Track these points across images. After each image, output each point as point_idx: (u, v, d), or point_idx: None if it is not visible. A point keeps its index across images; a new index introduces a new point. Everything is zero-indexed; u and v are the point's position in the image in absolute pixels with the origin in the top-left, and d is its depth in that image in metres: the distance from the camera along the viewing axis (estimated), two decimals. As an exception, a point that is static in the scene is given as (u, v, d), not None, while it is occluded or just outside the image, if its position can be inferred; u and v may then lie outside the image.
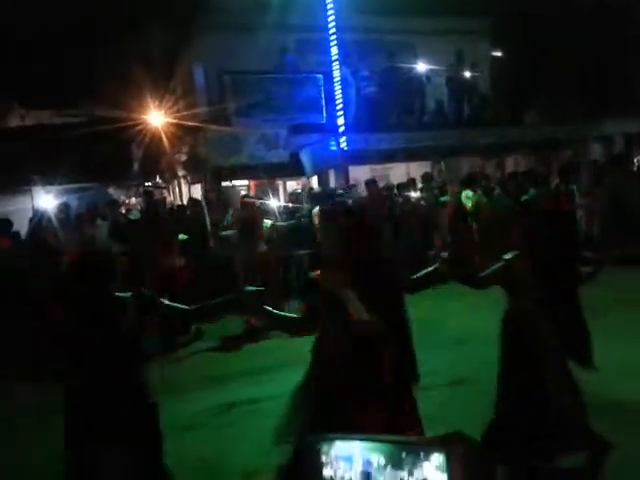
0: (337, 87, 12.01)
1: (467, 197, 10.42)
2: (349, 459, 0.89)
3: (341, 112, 11.92)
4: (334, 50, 12.13)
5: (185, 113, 12.12)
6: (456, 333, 6.68)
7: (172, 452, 4.20)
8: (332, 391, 2.90)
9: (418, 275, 3.99)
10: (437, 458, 0.82)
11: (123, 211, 11.95)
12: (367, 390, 2.85)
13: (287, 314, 3.76)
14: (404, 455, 0.85)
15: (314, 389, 3.08)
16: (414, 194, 10.57)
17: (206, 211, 9.39)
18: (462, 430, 1.01)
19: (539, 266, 3.30)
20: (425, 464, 0.83)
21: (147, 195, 11.59)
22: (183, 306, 3.53)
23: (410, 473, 0.85)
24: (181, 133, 12.58)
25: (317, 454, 0.88)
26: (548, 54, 14.49)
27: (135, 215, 10.63)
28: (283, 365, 5.90)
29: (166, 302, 3.43)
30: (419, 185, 10.99)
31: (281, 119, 12.27)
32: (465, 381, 5.12)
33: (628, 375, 4.71)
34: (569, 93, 14.51)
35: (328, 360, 3.05)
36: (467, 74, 14.21)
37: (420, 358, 5.79)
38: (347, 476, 0.88)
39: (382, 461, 0.87)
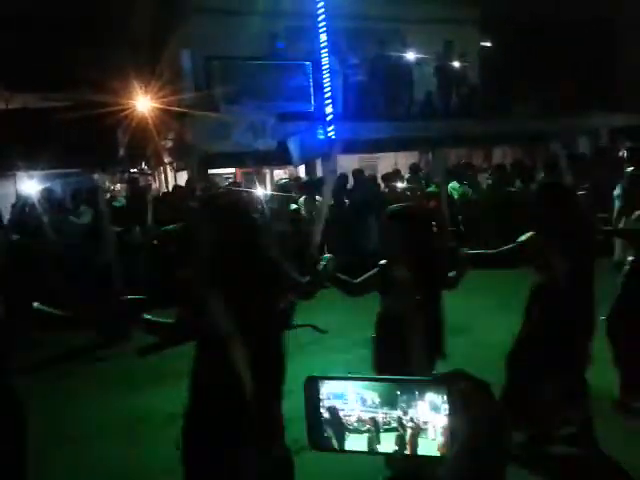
0: (326, 75, 11.94)
1: (453, 189, 10.46)
2: (342, 396, 0.87)
3: (329, 100, 11.86)
4: (323, 38, 12.04)
5: (172, 98, 11.98)
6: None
7: (158, 441, 4.24)
8: None
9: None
10: (432, 397, 0.80)
11: (108, 197, 11.83)
12: None
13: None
14: (398, 393, 0.83)
15: None
16: (400, 184, 10.58)
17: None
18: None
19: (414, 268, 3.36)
20: (419, 403, 0.81)
21: (132, 183, 11.50)
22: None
23: (404, 412, 0.83)
24: (168, 119, 12.46)
25: (317, 393, 0.87)
26: (537, 46, 14.52)
27: (120, 202, 10.53)
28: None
29: None
30: (406, 175, 11.00)
31: (269, 107, 12.18)
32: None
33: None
34: (557, 85, 14.55)
35: None
36: (456, 64, 14.20)
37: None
38: (342, 414, 0.87)
39: (377, 400, 0.85)
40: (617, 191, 6.14)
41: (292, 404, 4.73)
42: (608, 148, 14.48)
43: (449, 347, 5.81)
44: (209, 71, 12.27)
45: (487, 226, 9.85)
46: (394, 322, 3.35)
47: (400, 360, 3.10)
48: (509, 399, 3.67)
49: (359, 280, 3.67)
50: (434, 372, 0.76)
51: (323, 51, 11.96)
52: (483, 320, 6.74)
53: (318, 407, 0.86)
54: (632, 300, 4.48)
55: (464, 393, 0.69)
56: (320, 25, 11.98)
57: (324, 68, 11.99)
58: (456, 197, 10.30)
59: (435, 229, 4.11)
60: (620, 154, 14.34)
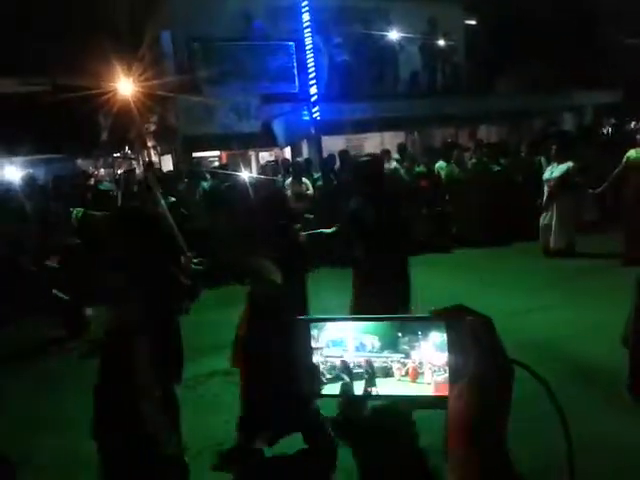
0: (309, 55, 11.78)
1: (440, 168, 10.44)
2: (340, 343, 0.82)
3: (313, 81, 11.72)
4: (306, 17, 11.85)
5: (155, 82, 11.78)
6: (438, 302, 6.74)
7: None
8: None
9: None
10: (436, 336, 0.77)
11: (92, 182, 11.68)
12: None
13: None
14: (400, 335, 0.79)
15: None
16: (387, 165, 10.52)
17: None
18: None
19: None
20: (423, 344, 0.78)
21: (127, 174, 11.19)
22: None
23: (407, 355, 0.79)
24: (150, 102, 12.25)
25: (307, 338, 0.82)
26: (522, 23, 14.45)
27: (105, 186, 10.40)
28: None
29: None
30: (395, 156, 10.93)
31: (253, 88, 12.04)
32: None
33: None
34: (541, 63, 14.52)
35: None
36: (441, 42, 14.11)
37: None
38: (338, 362, 0.82)
39: (377, 343, 0.81)
40: None
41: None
42: (593, 125, 14.56)
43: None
44: (191, 53, 12.08)
45: (472, 204, 9.87)
46: (258, 306, 3.39)
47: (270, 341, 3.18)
48: None
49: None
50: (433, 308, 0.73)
51: (306, 31, 11.79)
52: (467, 300, 6.76)
53: (310, 353, 0.82)
54: None
55: (472, 327, 0.66)
56: (303, 4, 11.81)
57: (308, 48, 11.83)
58: (443, 176, 10.28)
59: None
60: (604, 131, 14.44)
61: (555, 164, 8.60)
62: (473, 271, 8.19)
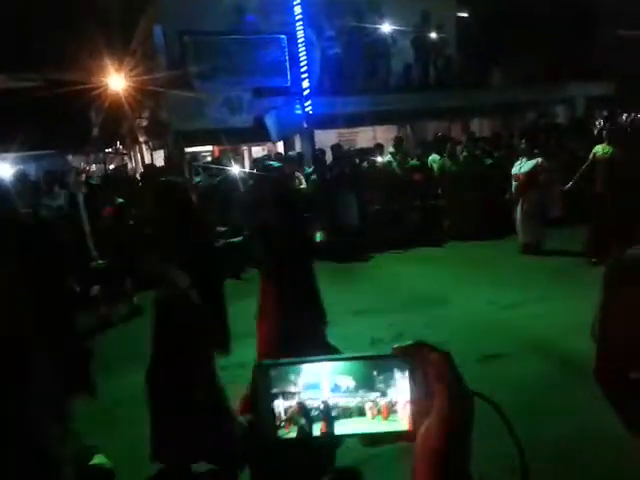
0: (301, 48, 11.75)
1: (433, 161, 10.44)
2: (316, 386, 0.80)
3: (306, 75, 11.71)
4: (297, 10, 11.83)
5: (146, 77, 11.72)
6: (430, 295, 6.75)
7: (144, 422, 4.22)
8: None
9: None
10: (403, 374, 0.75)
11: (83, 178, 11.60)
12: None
13: None
14: (375, 374, 0.77)
15: None
16: (380, 159, 10.52)
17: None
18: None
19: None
20: (399, 381, 0.76)
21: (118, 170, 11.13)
22: None
23: (383, 393, 0.77)
24: (142, 97, 12.20)
25: (268, 383, 0.79)
26: (514, 15, 14.44)
27: (95, 181, 10.34)
28: (241, 334, 5.88)
29: None
30: (390, 149, 10.91)
31: (244, 82, 11.99)
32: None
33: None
34: (534, 56, 14.53)
35: None
36: (433, 35, 14.08)
37: (392, 318, 5.91)
38: (296, 405, 0.80)
39: (351, 383, 0.79)
40: None
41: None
42: (585, 117, 14.59)
43: (430, 317, 5.88)
44: (182, 47, 12.00)
45: (465, 198, 9.87)
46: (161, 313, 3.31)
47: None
48: None
49: None
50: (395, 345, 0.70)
51: (298, 24, 11.76)
52: (459, 293, 6.81)
53: (270, 398, 0.80)
54: None
55: (434, 363, 0.67)
56: (295, -3, 11.78)
57: (300, 41, 11.80)
58: (435, 170, 10.28)
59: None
60: (597, 123, 14.47)
61: (524, 159, 8.60)
62: (465, 265, 8.22)
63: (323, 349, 3.46)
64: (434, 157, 10.45)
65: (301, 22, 11.76)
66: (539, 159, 8.46)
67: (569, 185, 8.13)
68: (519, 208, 8.66)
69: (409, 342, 0.72)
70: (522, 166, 8.57)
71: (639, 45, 14.68)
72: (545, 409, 3.82)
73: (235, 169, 9.14)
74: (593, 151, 7.69)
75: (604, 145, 7.53)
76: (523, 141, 8.92)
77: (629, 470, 3.02)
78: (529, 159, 8.52)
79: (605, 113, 15.21)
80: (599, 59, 14.74)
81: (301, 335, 3.25)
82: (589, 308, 5.23)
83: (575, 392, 3.99)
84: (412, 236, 9.73)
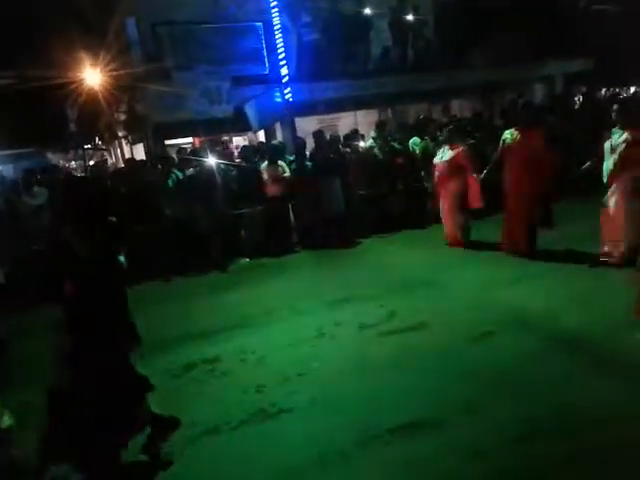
0: (278, 35, 11.61)
1: (415, 144, 10.41)
2: None
3: (284, 62, 11.57)
4: (273, -4, 11.66)
5: (122, 71, 11.53)
6: (417, 278, 6.77)
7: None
8: None
9: None
10: None
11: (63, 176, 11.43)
12: None
13: None
14: None
15: None
16: (362, 144, 10.48)
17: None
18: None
19: None
20: None
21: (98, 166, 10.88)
22: None
23: None
24: (118, 91, 12.02)
25: None
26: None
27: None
28: (238, 325, 5.90)
29: None
30: (372, 134, 10.85)
31: (222, 71, 11.82)
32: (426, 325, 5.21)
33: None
34: (512, 35, 14.51)
35: None
36: (410, 17, 13.99)
37: (381, 302, 5.93)
38: None
39: None
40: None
41: (266, 370, 4.76)
42: (563, 95, 14.64)
43: (418, 298, 5.91)
44: (157, 38, 11.79)
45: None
46: None
47: None
48: None
49: None
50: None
51: (274, 10, 11.59)
52: (449, 273, 6.85)
53: None
54: None
55: None
56: (269, -17, 11.59)
57: (276, 28, 11.65)
58: (418, 152, 10.25)
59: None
60: (576, 99, 14.54)
61: (446, 148, 8.18)
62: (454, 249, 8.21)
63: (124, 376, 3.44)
64: (415, 140, 10.42)
65: (277, 9, 11.60)
66: (461, 147, 8.04)
67: (483, 174, 7.65)
68: (441, 199, 8.28)
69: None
70: (443, 155, 8.14)
71: (615, 20, 14.76)
72: (530, 384, 3.86)
73: (212, 160, 9.04)
74: (502, 137, 7.25)
75: (513, 131, 7.15)
76: (447, 130, 8.42)
77: (608, 442, 3.06)
78: (452, 148, 8.02)
79: (584, 89, 15.28)
80: (576, 35, 14.76)
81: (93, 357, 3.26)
82: (572, 288, 5.30)
83: (561, 366, 4.04)
84: (397, 220, 9.74)
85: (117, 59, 11.97)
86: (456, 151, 7.99)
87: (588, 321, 4.73)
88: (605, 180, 6.16)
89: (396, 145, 10.34)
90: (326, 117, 13.98)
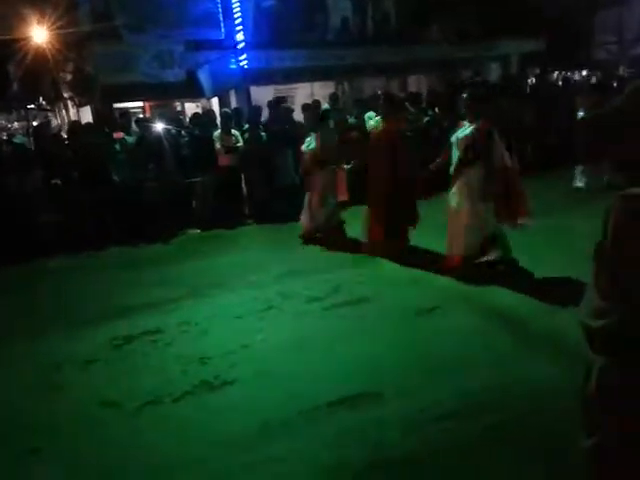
0: (235, 0, 11.29)
1: (369, 118, 10.36)
2: None
3: (240, 27, 11.29)
4: (230, -42, 11.31)
5: (70, 30, 11.00)
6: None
7: (74, 387, 4.11)
8: None
9: None
10: None
11: (5, 137, 10.90)
12: None
13: None
14: None
15: None
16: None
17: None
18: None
19: None
20: None
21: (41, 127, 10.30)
22: None
23: None
24: (65, 50, 11.49)
25: None
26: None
27: (20, 139, 9.74)
28: (184, 296, 5.81)
29: None
30: (325, 106, 10.73)
31: (176, 35, 11.44)
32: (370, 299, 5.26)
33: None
34: (469, 12, 14.57)
35: None
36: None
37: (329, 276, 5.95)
38: None
39: None
40: None
41: (211, 342, 4.72)
42: (517, 76, 14.85)
43: (365, 274, 5.95)
44: (106, -3, 11.28)
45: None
46: None
47: None
48: None
49: None
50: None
51: (231, -27, 11.27)
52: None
53: None
54: None
55: None
56: (226, -56, 11.22)
57: (233, -8, 11.33)
58: (373, 127, 10.20)
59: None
60: (529, 81, 14.77)
61: (312, 135, 7.38)
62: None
63: None
64: (370, 114, 10.35)
65: (234, -29, 11.28)
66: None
67: (350, 164, 7.45)
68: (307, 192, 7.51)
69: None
70: (310, 143, 7.37)
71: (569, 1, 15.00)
72: (475, 359, 3.96)
73: (162, 125, 8.78)
74: (368, 125, 6.81)
75: (375, 115, 6.77)
76: (307, 116, 7.84)
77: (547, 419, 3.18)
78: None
79: (537, 71, 15.54)
80: (529, 15, 14.94)
81: None
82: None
83: (504, 342, 4.16)
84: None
85: (64, 16, 11.40)
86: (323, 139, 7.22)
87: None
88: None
89: (351, 119, 10.26)
90: (282, 87, 13.78)
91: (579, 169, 8.73)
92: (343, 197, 7.35)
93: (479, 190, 5.41)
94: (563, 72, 17.02)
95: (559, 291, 4.80)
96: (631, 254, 1.62)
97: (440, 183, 6.07)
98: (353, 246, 6.94)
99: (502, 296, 5.03)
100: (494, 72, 15.95)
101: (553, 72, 16.67)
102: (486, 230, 5.48)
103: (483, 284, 5.30)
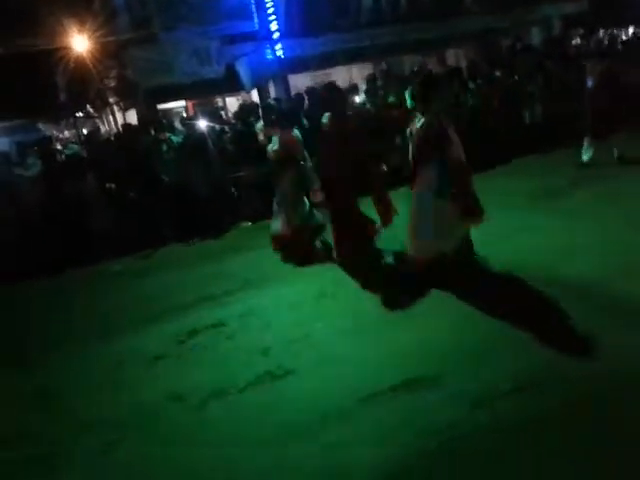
0: (266, -10, 11.31)
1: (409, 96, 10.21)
2: None
3: (273, 17, 11.30)
4: (259, -51, 11.31)
5: (110, 38, 11.28)
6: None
7: (141, 383, 4.28)
8: None
9: None
10: None
11: (59, 147, 11.32)
12: None
13: None
14: None
15: None
16: (357, 98, 10.29)
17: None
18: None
19: None
20: None
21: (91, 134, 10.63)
22: None
23: None
24: (107, 57, 11.80)
25: None
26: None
27: (72, 149, 10.09)
28: (241, 289, 5.93)
29: None
30: (363, 87, 10.65)
31: (211, 30, 11.55)
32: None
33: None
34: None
35: None
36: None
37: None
38: None
39: None
40: None
41: (271, 333, 4.80)
42: (560, 38, 14.32)
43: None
44: (143, 2, 11.49)
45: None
46: None
47: None
48: None
49: None
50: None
51: (260, -36, 11.27)
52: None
53: None
54: None
55: None
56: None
57: (263, -17, 11.34)
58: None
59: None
60: (573, 42, 14.23)
61: (277, 134, 6.56)
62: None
63: None
64: (410, 91, 10.21)
65: (263, -38, 11.28)
66: (296, 132, 6.55)
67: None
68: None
69: None
70: (274, 144, 6.56)
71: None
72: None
73: (205, 122, 8.87)
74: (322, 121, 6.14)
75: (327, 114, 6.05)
76: (272, 117, 7.19)
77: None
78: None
79: (581, 31, 14.95)
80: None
81: None
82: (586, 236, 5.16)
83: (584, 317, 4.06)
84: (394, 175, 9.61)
85: (104, 25, 11.71)
86: (286, 138, 6.44)
87: (591, 269, 4.74)
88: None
89: (391, 98, 10.14)
90: (320, 73, 13.74)
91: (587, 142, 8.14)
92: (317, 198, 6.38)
93: (436, 188, 4.92)
94: (609, 31, 16.28)
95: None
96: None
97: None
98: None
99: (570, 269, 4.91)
100: (536, 37, 15.41)
101: (599, 31, 15.99)
102: (450, 230, 4.98)
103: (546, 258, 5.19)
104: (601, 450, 2.72)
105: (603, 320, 3.86)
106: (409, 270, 5.24)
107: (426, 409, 3.27)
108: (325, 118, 6.11)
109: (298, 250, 6.47)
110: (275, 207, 6.75)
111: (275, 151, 6.52)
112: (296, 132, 6.60)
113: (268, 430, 3.38)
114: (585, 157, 8.18)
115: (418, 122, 5.11)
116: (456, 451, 2.90)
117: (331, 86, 6.86)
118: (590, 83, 8.04)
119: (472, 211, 4.89)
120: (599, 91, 7.87)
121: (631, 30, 16.91)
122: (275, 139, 6.57)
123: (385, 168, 5.88)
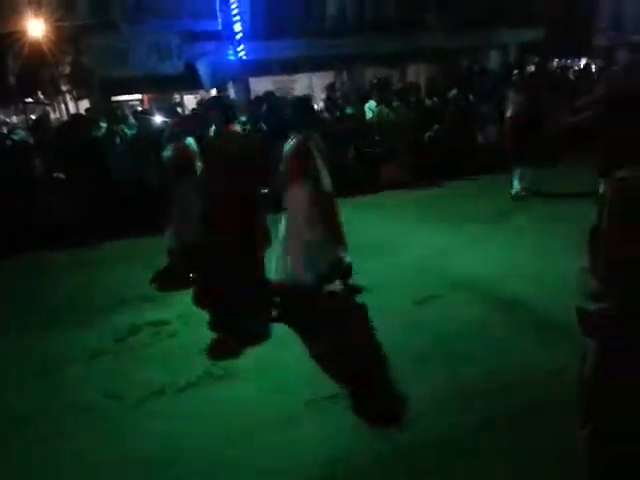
0: (232, -10, 11.25)
1: (369, 109, 10.34)
2: None
3: (237, 17, 11.23)
4: (226, -52, 11.24)
5: (67, 23, 10.94)
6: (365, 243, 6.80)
7: (82, 380, 4.13)
8: None
9: None
10: None
11: (5, 131, 10.87)
12: None
13: None
14: None
15: None
16: (316, 107, 10.33)
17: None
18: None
19: None
20: None
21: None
22: None
23: None
24: (63, 43, 11.44)
25: None
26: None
27: (19, 134, 9.71)
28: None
29: None
30: (321, 96, 10.72)
31: (173, 25, 11.38)
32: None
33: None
34: (468, 1, 14.51)
35: None
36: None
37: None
38: None
39: None
40: None
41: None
42: (517, 64, 14.80)
43: (369, 261, 5.96)
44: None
45: (401, 145, 9.91)
46: None
47: None
48: None
49: None
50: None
51: (227, -37, 11.20)
52: (396, 237, 6.93)
53: None
54: None
55: None
56: None
57: (230, -18, 11.27)
58: (372, 117, 10.19)
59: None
60: (528, 69, 14.72)
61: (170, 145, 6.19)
62: (403, 210, 8.29)
63: None
64: (371, 104, 10.35)
65: (230, -39, 11.21)
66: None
67: None
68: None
69: None
70: (168, 151, 6.24)
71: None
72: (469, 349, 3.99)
73: (159, 117, 8.71)
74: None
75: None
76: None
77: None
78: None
79: (536, 59, 15.48)
80: (528, 3, 14.88)
81: None
82: (519, 251, 5.42)
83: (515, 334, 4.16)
84: (349, 185, 9.68)
85: (62, 9, 11.35)
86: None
87: (526, 289, 4.87)
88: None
89: (348, 109, 10.23)
90: (281, 78, 13.74)
91: (517, 173, 8.17)
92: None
93: (306, 213, 4.75)
94: (562, 60, 16.96)
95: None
96: (626, 238, 1.64)
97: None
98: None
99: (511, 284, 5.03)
100: (494, 61, 15.89)
101: (552, 60, 16.62)
102: (319, 256, 4.82)
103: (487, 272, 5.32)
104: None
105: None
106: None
107: (353, 424, 3.29)
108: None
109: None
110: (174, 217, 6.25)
111: (168, 159, 6.19)
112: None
113: (215, 430, 3.32)
114: (514, 190, 8.18)
115: (289, 144, 4.93)
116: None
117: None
118: (509, 112, 8.27)
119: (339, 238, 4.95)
120: (517, 120, 8.06)
121: (583, 61, 17.64)
122: (169, 148, 6.16)
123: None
